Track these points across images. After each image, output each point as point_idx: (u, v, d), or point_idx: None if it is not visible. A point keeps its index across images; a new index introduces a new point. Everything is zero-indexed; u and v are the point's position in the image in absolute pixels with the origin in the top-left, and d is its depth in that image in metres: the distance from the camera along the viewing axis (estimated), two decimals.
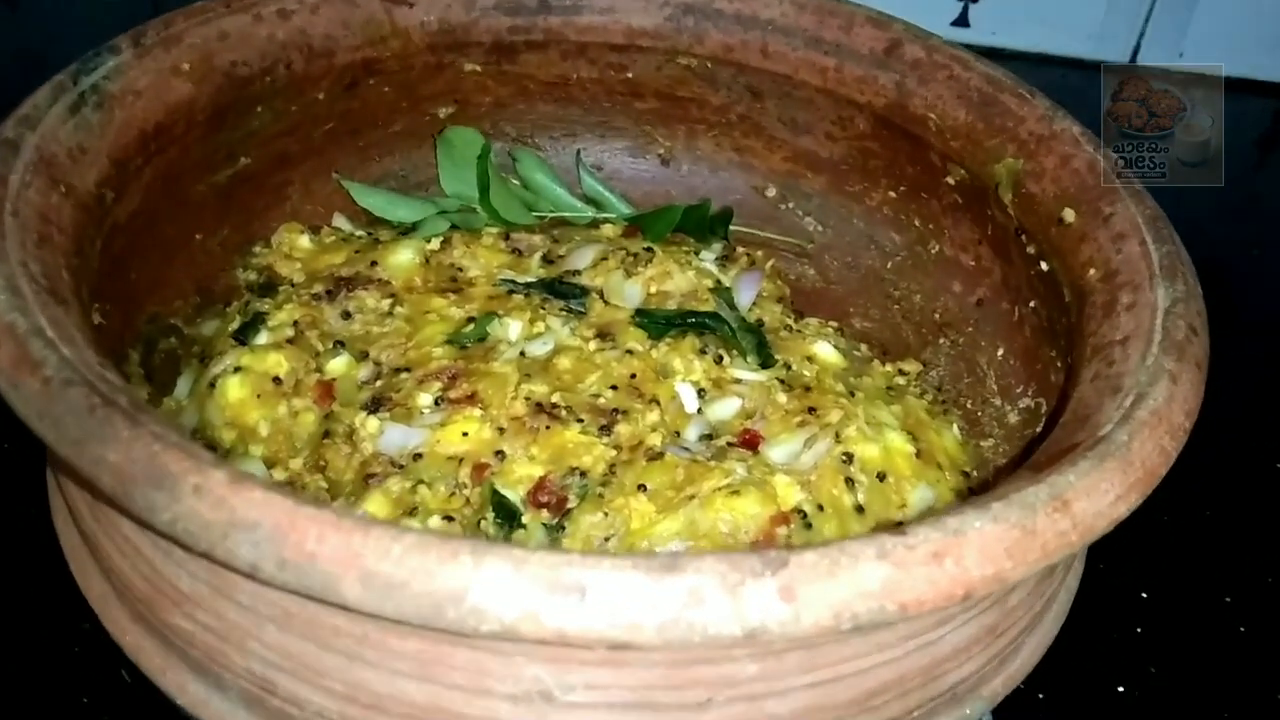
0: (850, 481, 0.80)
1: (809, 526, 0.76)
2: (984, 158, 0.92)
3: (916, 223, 1.04)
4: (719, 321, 0.92)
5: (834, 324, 1.04)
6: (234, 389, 0.84)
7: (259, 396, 0.84)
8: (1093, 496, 0.54)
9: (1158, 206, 0.78)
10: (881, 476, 0.82)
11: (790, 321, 1.00)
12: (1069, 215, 0.83)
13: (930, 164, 0.99)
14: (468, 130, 1.08)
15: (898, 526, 0.50)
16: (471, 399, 0.82)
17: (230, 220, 0.99)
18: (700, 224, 1.09)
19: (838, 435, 0.82)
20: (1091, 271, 0.77)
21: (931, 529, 0.49)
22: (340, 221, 1.06)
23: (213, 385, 0.85)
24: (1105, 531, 0.54)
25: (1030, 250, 0.88)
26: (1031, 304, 0.90)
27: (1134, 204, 0.78)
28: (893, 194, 1.05)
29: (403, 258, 0.97)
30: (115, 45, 0.83)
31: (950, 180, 0.97)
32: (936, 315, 1.02)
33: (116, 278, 0.83)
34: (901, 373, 0.98)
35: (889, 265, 1.07)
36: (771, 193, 1.13)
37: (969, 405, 0.95)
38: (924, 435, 0.88)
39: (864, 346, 1.02)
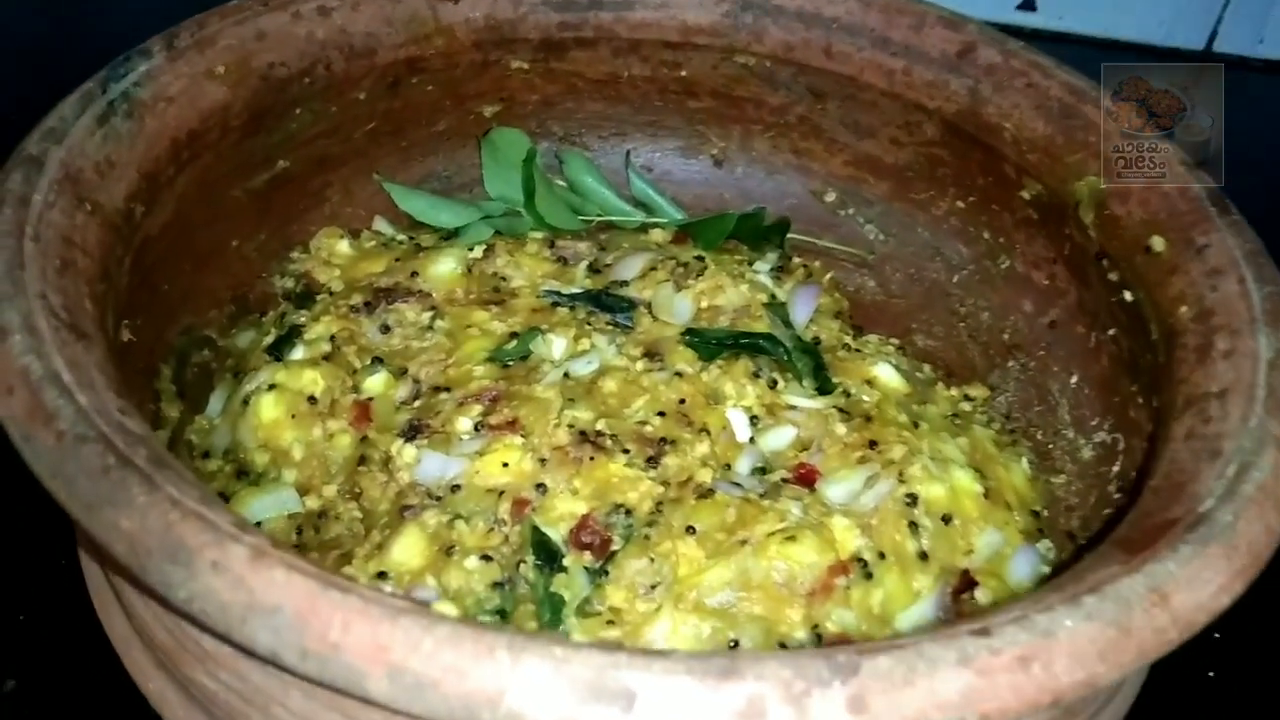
0: (914, 526, 0.75)
1: (869, 576, 0.72)
2: (1063, 174, 0.86)
3: (986, 235, 0.98)
4: (773, 343, 0.87)
5: (895, 341, 0.99)
6: (268, 408, 0.81)
7: (293, 417, 0.81)
8: (1194, 587, 0.48)
9: (1259, 240, 0.72)
10: (947, 519, 0.77)
11: (849, 339, 0.94)
12: (1157, 243, 0.76)
13: (1004, 176, 0.93)
14: (513, 131, 1.03)
15: (980, 619, 0.45)
16: (512, 425, 0.78)
17: (267, 225, 0.95)
18: (755, 232, 1.04)
19: (901, 474, 0.77)
20: (1183, 309, 0.71)
21: (1018, 629, 0.45)
22: (381, 225, 1.02)
23: (246, 403, 0.82)
24: (1205, 625, 0.49)
25: (1112, 277, 0.82)
26: (1111, 332, 0.84)
27: (1232, 236, 0.72)
28: (961, 204, 0.99)
29: (444, 268, 0.93)
30: (147, 49, 0.79)
31: (1025, 194, 0.91)
32: (1005, 335, 0.96)
33: (147, 291, 0.80)
34: (967, 398, 0.93)
35: (955, 279, 1.01)
36: (831, 198, 1.07)
37: (1039, 436, 0.89)
38: (991, 471, 0.83)
39: (927, 367, 0.96)
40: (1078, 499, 0.82)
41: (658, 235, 1.05)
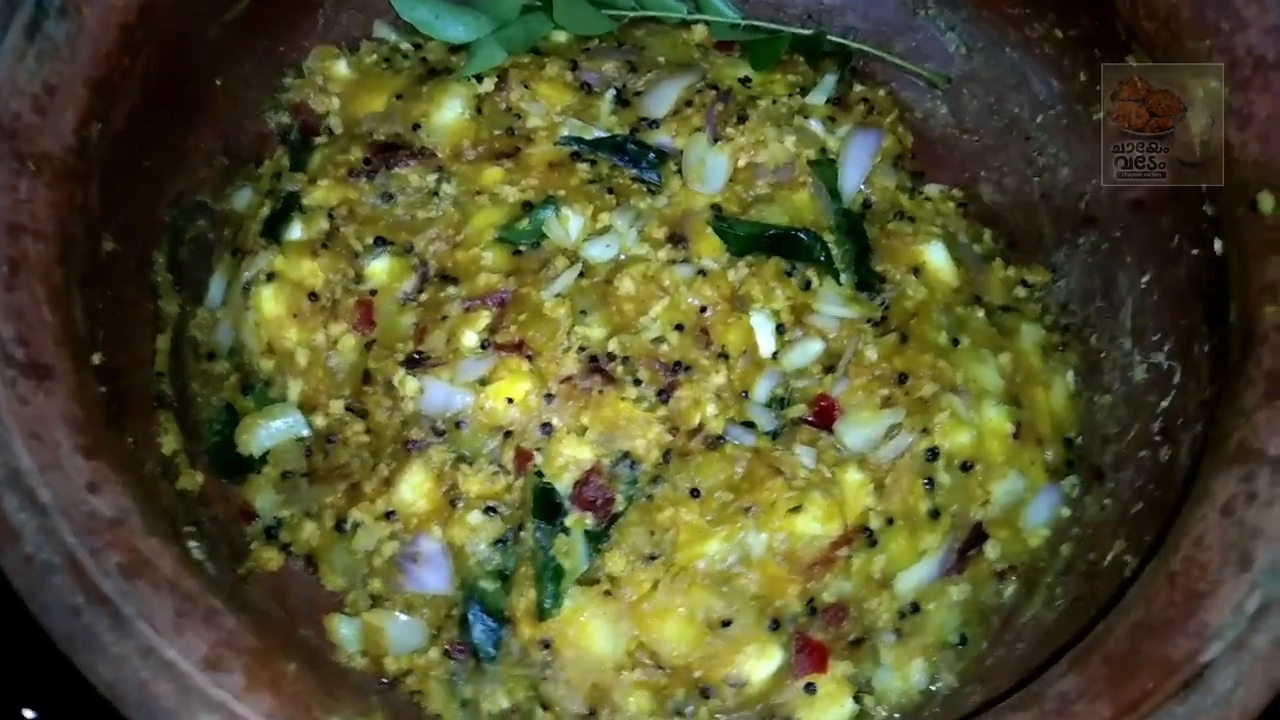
0: (930, 482, 0.72)
1: (873, 544, 0.71)
2: (1181, 58, 0.70)
3: (1083, 77, 0.83)
4: (812, 239, 0.79)
5: (959, 194, 0.88)
6: (269, 302, 0.78)
7: (295, 316, 0.78)
8: None
9: None
10: (968, 466, 0.73)
11: (905, 199, 0.85)
12: (1266, 202, 0.64)
13: (1111, 30, 0.76)
14: None
15: None
16: (519, 347, 0.74)
17: (253, 53, 0.85)
18: (813, 52, 0.90)
19: (926, 425, 0.72)
20: (1270, 310, 0.62)
21: None
22: (382, 30, 0.90)
23: (246, 291, 0.78)
24: None
25: (1208, 209, 0.70)
26: (1195, 252, 0.74)
27: None
28: (1059, 34, 0.83)
29: (450, 114, 0.83)
30: None
31: (1132, 61, 0.76)
32: (1082, 203, 0.85)
33: (126, 182, 0.73)
34: (1024, 283, 0.84)
35: (1038, 119, 0.87)
36: None
37: (1094, 340, 0.82)
38: (1029, 395, 0.77)
39: (988, 235, 0.87)
40: (1117, 429, 0.77)
41: (700, 33, 0.91)
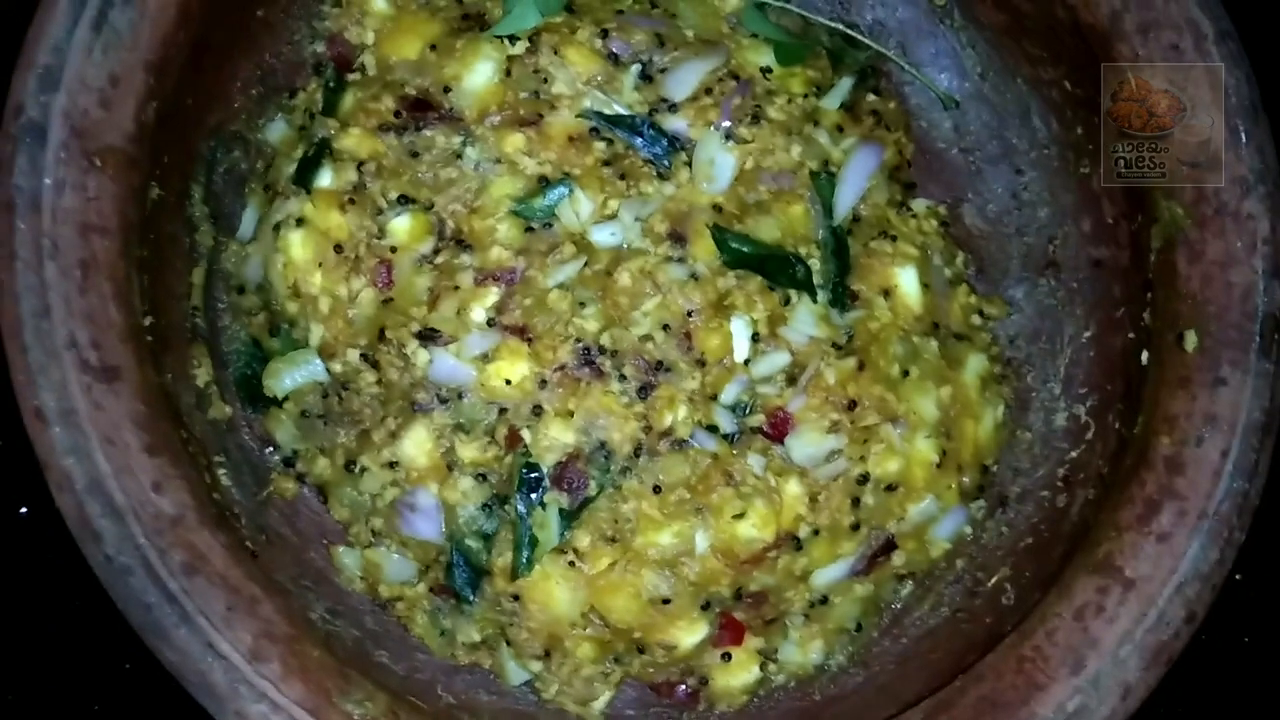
0: (857, 501, 0.84)
1: (799, 548, 0.83)
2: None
3: (1079, 131, 0.88)
4: (799, 264, 0.86)
5: (943, 212, 0.95)
6: (297, 248, 0.85)
7: (321, 265, 0.85)
8: None
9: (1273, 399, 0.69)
10: (892, 488, 0.85)
11: (893, 215, 0.91)
12: (1190, 341, 0.73)
13: (1091, 124, 0.81)
14: None
15: None
16: (522, 331, 0.82)
17: None
18: (837, 55, 0.93)
19: (863, 454, 0.83)
20: (1164, 440, 0.72)
21: None
22: None
23: (277, 231, 0.85)
24: None
25: (1145, 318, 0.79)
26: (1130, 335, 0.83)
27: (1253, 390, 0.69)
28: (1068, 86, 0.88)
29: (480, 78, 0.87)
30: None
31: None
32: (1052, 247, 0.92)
33: (171, 129, 0.78)
34: (981, 314, 0.93)
35: (1032, 155, 0.93)
36: (943, 1, 0.93)
37: (1029, 378, 0.92)
38: (960, 428, 0.88)
39: (961, 258, 0.94)
40: (1028, 466, 0.89)
41: (732, 2, 0.94)
